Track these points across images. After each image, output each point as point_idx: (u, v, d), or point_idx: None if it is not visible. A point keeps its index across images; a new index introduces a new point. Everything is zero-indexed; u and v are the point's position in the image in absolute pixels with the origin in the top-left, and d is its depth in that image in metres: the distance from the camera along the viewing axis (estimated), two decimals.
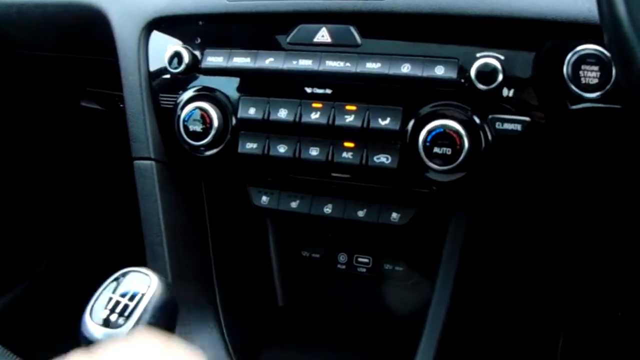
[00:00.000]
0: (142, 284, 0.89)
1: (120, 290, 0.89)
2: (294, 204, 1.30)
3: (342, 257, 1.46)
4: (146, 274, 0.91)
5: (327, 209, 1.28)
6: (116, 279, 0.90)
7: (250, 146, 1.23)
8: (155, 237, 1.31)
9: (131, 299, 0.88)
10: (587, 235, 1.63)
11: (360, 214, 1.26)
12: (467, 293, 1.27)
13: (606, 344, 1.78)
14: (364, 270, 1.45)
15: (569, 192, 1.24)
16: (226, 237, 1.42)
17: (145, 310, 0.87)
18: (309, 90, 1.19)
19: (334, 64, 1.18)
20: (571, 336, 1.77)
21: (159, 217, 1.31)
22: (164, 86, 1.32)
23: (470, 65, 1.09)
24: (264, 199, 1.33)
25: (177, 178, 1.36)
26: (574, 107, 1.06)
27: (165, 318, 0.88)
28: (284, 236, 1.51)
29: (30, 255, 2.11)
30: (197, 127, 1.25)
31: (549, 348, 1.76)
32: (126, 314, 0.86)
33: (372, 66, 1.15)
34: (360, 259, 1.45)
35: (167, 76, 1.32)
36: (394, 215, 1.24)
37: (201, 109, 1.25)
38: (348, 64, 1.17)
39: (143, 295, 0.88)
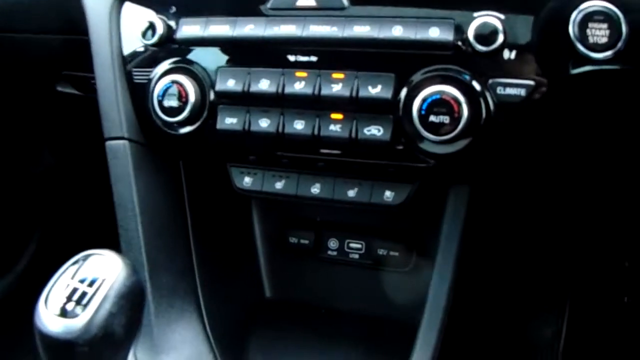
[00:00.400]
0: (104, 269, 0.79)
1: (80, 275, 0.79)
2: (278, 185, 1.21)
3: (333, 243, 1.36)
4: (109, 257, 0.80)
5: (315, 189, 1.19)
6: (76, 263, 0.80)
7: (230, 121, 1.13)
8: (129, 223, 1.21)
9: (90, 284, 0.78)
10: (594, 208, 1.56)
11: (351, 193, 1.17)
12: (469, 276, 1.17)
13: (612, 331, 1.73)
14: (357, 256, 1.35)
15: (575, 160, 1.15)
16: (207, 222, 1.32)
17: (105, 297, 0.77)
18: (292, 58, 1.10)
19: (319, 29, 1.09)
20: (576, 323, 1.73)
21: (133, 201, 1.22)
22: (138, 60, 1.24)
23: (468, 26, 1.01)
24: (247, 180, 1.23)
25: (153, 159, 1.26)
26: (582, 69, 0.97)
27: (129, 306, 0.78)
28: (269, 221, 1.42)
29: (19, 238, 2.07)
30: (173, 103, 1.16)
31: (553, 333, 1.72)
32: (84, 302, 0.76)
33: (360, 30, 1.06)
34: (352, 245, 1.35)
35: (141, 49, 1.23)
36: (388, 193, 1.15)
37: (176, 82, 1.16)
38: (334, 29, 1.08)
39: (104, 280, 0.77)
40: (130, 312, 0.79)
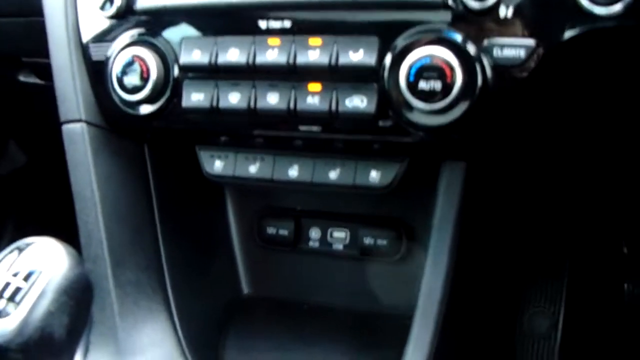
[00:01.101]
0: (43, 259, 0.67)
1: (14, 267, 0.66)
2: (252, 169, 1.10)
3: (314, 233, 1.25)
4: (49, 245, 0.68)
5: (293, 172, 1.08)
6: (11, 253, 0.68)
7: (197, 98, 1.03)
8: (89, 214, 1.11)
9: (26, 278, 0.65)
10: (593, 189, 1.52)
11: (333, 175, 1.06)
12: (464, 263, 1.06)
13: (611, 319, 1.69)
14: (341, 246, 1.24)
15: (576, 130, 1.05)
16: (176, 212, 1.21)
17: (43, 293, 0.65)
18: (263, 24, 1.00)
19: None
20: (573, 312, 1.68)
21: (92, 189, 1.11)
22: (95, 35, 1.13)
23: None
24: (218, 164, 1.12)
25: (114, 143, 1.16)
26: (587, 27, 0.87)
27: (72, 303, 0.66)
28: (245, 211, 1.31)
29: None
30: (133, 79, 1.06)
31: (551, 323, 1.67)
32: (17, 298, 0.64)
33: None
34: (335, 234, 1.24)
35: (99, 23, 1.12)
36: (374, 174, 1.04)
37: (137, 56, 1.06)
38: None
39: (41, 273, 0.65)
40: (73, 310, 0.67)
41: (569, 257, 1.72)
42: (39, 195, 2.08)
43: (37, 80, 1.64)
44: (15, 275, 0.66)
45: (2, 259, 0.68)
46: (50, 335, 0.64)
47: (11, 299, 0.65)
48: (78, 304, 0.68)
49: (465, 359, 1.33)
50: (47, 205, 2.05)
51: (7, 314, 0.64)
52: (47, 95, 1.56)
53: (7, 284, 0.66)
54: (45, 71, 1.52)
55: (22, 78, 1.67)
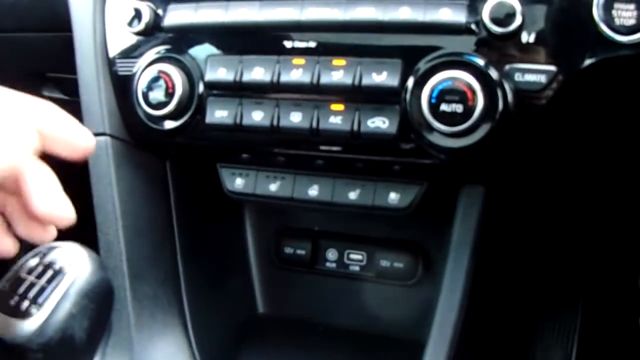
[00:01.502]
0: (66, 263, 0.68)
1: (38, 270, 0.67)
2: (273, 187, 1.10)
3: (331, 254, 1.25)
4: (72, 250, 0.69)
5: (313, 191, 1.08)
6: (35, 256, 0.69)
7: (221, 114, 1.04)
8: (109, 227, 1.11)
9: (49, 281, 0.66)
10: (612, 218, 1.47)
11: (352, 195, 1.06)
12: (480, 289, 1.05)
13: (623, 354, 1.63)
14: (357, 268, 1.24)
15: (597, 158, 1.04)
16: (195, 229, 1.22)
17: (65, 295, 0.66)
18: (288, 44, 1.01)
19: (318, 12, 0.99)
20: (586, 347, 1.62)
21: (114, 203, 1.12)
22: (122, 51, 1.15)
23: (482, 6, 0.91)
24: (239, 181, 1.13)
25: (137, 158, 1.17)
26: (608, 54, 0.88)
27: (94, 306, 0.67)
28: (263, 230, 1.31)
29: None
30: (159, 95, 1.07)
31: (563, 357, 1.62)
32: (40, 300, 0.65)
33: (364, 12, 0.97)
34: (352, 256, 1.24)
35: (126, 39, 1.14)
36: (393, 196, 1.04)
37: (163, 72, 1.07)
38: (335, 11, 0.98)
39: (64, 276, 0.66)
40: (94, 313, 0.68)
41: (584, 290, 1.71)
42: None
43: (62, 96, 1.65)
44: (38, 277, 0.67)
45: (26, 261, 0.69)
46: (71, 337, 0.64)
47: (34, 300, 0.66)
48: (99, 308, 0.68)
49: None
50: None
51: (30, 315, 0.64)
52: (70, 110, 1.57)
53: (31, 285, 0.66)
54: (70, 86, 1.54)
55: (46, 93, 1.68)
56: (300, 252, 1.26)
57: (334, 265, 1.26)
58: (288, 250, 1.27)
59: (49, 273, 0.67)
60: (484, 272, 1.08)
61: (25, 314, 0.65)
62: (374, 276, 1.24)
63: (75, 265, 0.68)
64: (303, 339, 1.28)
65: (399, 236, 1.22)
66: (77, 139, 0.73)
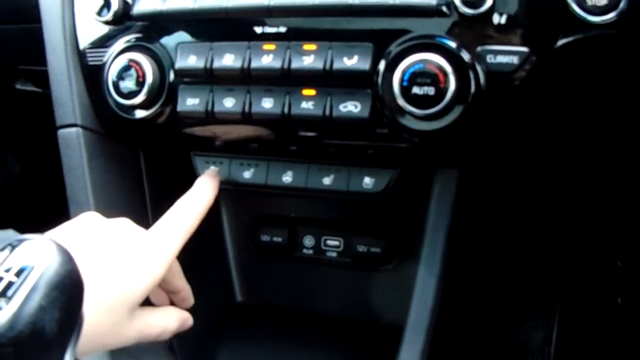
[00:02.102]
0: (35, 256, 0.67)
1: (7, 263, 0.66)
2: (247, 174, 1.10)
3: (309, 241, 1.25)
4: (41, 242, 0.68)
5: (287, 178, 1.08)
6: (3, 250, 0.67)
7: (192, 102, 1.03)
8: None
9: (18, 274, 0.65)
10: (587, 201, 1.50)
11: (326, 181, 1.06)
12: (457, 272, 1.06)
13: (604, 334, 1.68)
14: (334, 254, 1.24)
15: (569, 141, 1.05)
16: None
17: (34, 287, 0.64)
18: (259, 30, 1.00)
19: None
20: (567, 325, 1.67)
21: (87, 194, 1.11)
22: (92, 41, 1.14)
23: None
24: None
25: (110, 148, 1.15)
26: (580, 35, 0.88)
27: (64, 298, 0.66)
28: (239, 218, 1.30)
29: None
30: (129, 84, 1.06)
31: (544, 336, 1.66)
32: (9, 293, 0.64)
33: None
34: (329, 242, 1.24)
35: (96, 28, 1.13)
36: (367, 180, 1.04)
37: (133, 61, 1.06)
38: None
39: (33, 269, 0.65)
40: (65, 305, 0.67)
41: (563, 270, 1.72)
42: (34, 203, 2.07)
43: (34, 88, 1.63)
44: (7, 270, 0.66)
45: None
46: (42, 329, 0.63)
47: (3, 293, 0.64)
48: (69, 299, 0.67)
49: None
50: (41, 212, 2.04)
51: None
52: (43, 103, 1.55)
53: (0, 279, 0.65)
54: (43, 79, 1.52)
55: (18, 86, 1.66)
56: (277, 239, 1.26)
57: (311, 251, 1.26)
58: (265, 237, 1.27)
59: (18, 266, 0.66)
60: (461, 253, 1.08)
61: None
62: (351, 262, 1.23)
63: (44, 258, 0.67)
64: (282, 326, 1.27)
65: (376, 221, 1.21)
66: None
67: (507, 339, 1.70)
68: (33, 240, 0.69)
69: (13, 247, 0.69)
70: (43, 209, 1.97)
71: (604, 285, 1.71)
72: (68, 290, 0.67)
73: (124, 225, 0.94)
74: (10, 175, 2.13)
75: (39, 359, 0.66)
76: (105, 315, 0.85)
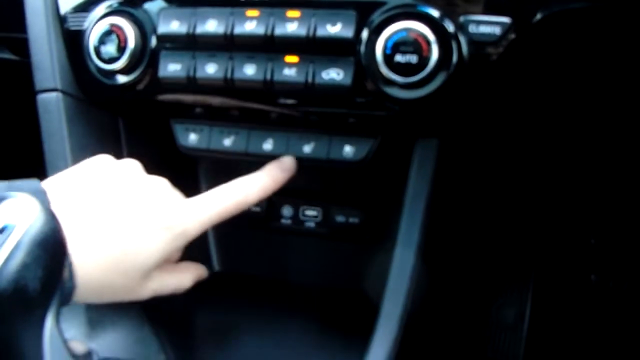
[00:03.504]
0: (18, 213, 0.66)
1: None
2: (227, 142, 1.10)
3: (287, 211, 1.25)
4: (24, 200, 0.68)
5: (267, 145, 1.08)
6: None
7: (174, 68, 1.02)
8: None
9: (1, 232, 0.65)
10: (562, 176, 1.52)
11: (307, 149, 1.06)
12: (435, 244, 1.06)
13: (578, 311, 1.71)
14: (313, 224, 1.23)
15: (549, 114, 1.05)
16: None
17: (18, 245, 0.64)
18: None
19: None
20: (540, 303, 1.71)
21: (66, 159, 1.10)
22: (73, 6, 1.13)
23: None
24: (192, 137, 1.12)
25: (89, 114, 1.15)
26: (562, 6, 0.89)
27: (47, 256, 0.66)
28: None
29: None
30: (110, 49, 1.05)
31: (517, 314, 1.68)
32: None
33: None
34: (307, 212, 1.23)
35: None
36: (348, 149, 1.04)
37: (115, 26, 1.06)
38: None
39: (15, 227, 0.65)
40: (48, 263, 0.67)
41: (537, 247, 1.73)
42: (7, 172, 2.04)
43: (12, 56, 1.61)
44: None
45: None
46: (25, 287, 0.63)
47: None
48: (52, 258, 0.67)
49: (432, 348, 1.34)
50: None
51: None
52: (21, 71, 1.54)
53: None
54: (20, 47, 1.50)
55: None
56: (255, 209, 1.25)
57: (289, 221, 1.26)
58: None
59: (1, 225, 0.66)
60: (439, 225, 1.08)
61: None
62: (329, 232, 1.23)
63: (27, 215, 0.67)
64: (258, 296, 1.27)
65: (355, 193, 1.21)
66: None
67: (480, 316, 1.72)
68: (15, 198, 0.69)
69: None
70: (17, 178, 1.95)
71: (577, 262, 1.73)
72: (51, 249, 0.67)
73: (162, 184, 0.94)
74: None
75: (22, 317, 0.65)
76: (119, 277, 0.85)
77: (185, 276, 1.01)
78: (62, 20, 1.13)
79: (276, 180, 1.05)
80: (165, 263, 0.95)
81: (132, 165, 0.92)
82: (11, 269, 0.64)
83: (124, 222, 0.85)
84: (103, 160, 0.91)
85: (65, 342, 0.71)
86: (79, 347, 0.80)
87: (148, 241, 0.87)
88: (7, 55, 1.63)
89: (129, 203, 0.87)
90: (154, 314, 1.13)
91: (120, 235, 0.83)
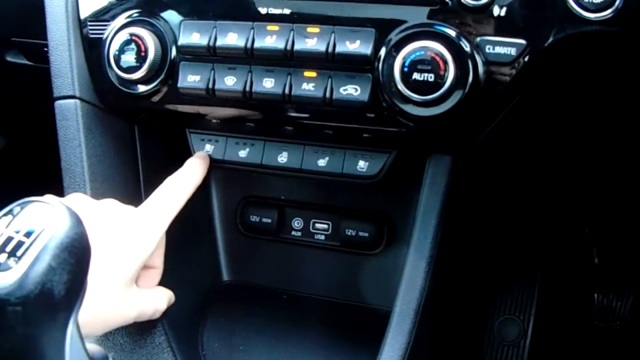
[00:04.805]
0: (45, 217, 0.68)
1: (16, 224, 0.67)
2: (242, 153, 1.11)
3: (297, 223, 1.26)
4: (51, 205, 0.69)
5: (282, 158, 1.10)
6: (10, 212, 0.68)
7: (193, 79, 1.04)
8: (77, 190, 1.10)
9: (28, 235, 0.66)
10: (571, 186, 1.47)
11: (321, 163, 1.08)
12: (445, 259, 1.08)
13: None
14: (323, 237, 1.25)
15: (561, 129, 1.06)
16: None
17: (45, 248, 0.65)
18: (263, 10, 1.02)
19: None
20: (542, 319, 1.70)
21: (82, 165, 1.11)
22: (95, 13, 1.14)
23: None
24: (208, 147, 1.14)
25: (106, 122, 1.16)
26: (576, 30, 0.91)
27: (73, 260, 0.67)
28: (229, 198, 1.30)
29: None
30: (130, 58, 1.07)
31: (519, 332, 1.67)
32: (19, 253, 0.65)
33: None
34: (318, 225, 1.25)
35: (98, 2, 1.14)
36: (362, 164, 1.06)
37: (135, 35, 1.07)
38: None
39: (43, 230, 0.66)
40: (73, 267, 0.68)
41: (541, 266, 1.74)
42: (19, 178, 2.06)
43: (25, 61, 1.63)
44: (17, 231, 0.67)
45: (3, 215, 0.68)
46: (50, 290, 0.64)
47: (12, 253, 0.65)
48: (78, 262, 0.68)
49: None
50: (27, 187, 2.03)
51: (8, 268, 0.64)
52: (34, 77, 1.55)
53: (9, 239, 0.66)
54: (35, 52, 1.52)
55: (9, 58, 1.65)
56: (266, 220, 1.27)
57: (299, 233, 1.27)
58: (254, 218, 1.28)
59: (28, 227, 0.67)
60: (448, 240, 1.10)
61: (4, 267, 0.65)
62: (339, 245, 1.25)
63: (55, 219, 0.68)
64: (267, 306, 1.28)
65: (365, 206, 1.23)
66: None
67: (482, 330, 1.72)
68: (42, 202, 0.70)
69: (21, 208, 0.69)
70: (28, 184, 1.96)
71: (581, 281, 1.74)
72: (77, 254, 0.68)
73: (112, 205, 0.99)
74: None
75: (46, 320, 0.66)
76: (106, 293, 0.91)
77: (161, 297, 1.07)
78: (82, 27, 1.15)
79: (202, 168, 1.12)
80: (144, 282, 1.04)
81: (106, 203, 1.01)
82: (38, 271, 0.65)
83: (102, 242, 0.93)
84: (80, 199, 0.99)
85: (84, 345, 0.72)
86: (96, 350, 0.81)
87: (123, 253, 0.95)
88: (22, 60, 1.64)
89: (103, 229, 0.95)
90: (165, 323, 1.14)
91: (100, 252, 0.91)
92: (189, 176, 1.08)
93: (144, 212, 1.01)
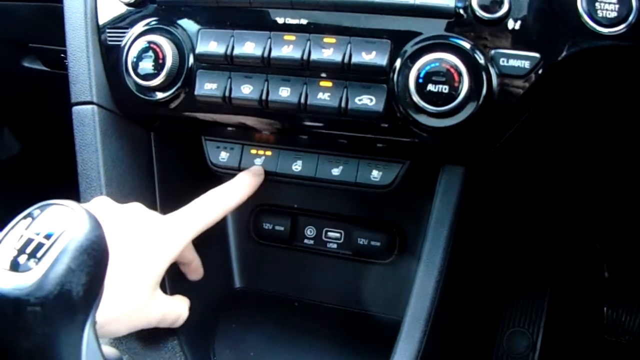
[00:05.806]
0: (64, 220, 0.69)
1: (36, 226, 0.68)
2: (257, 161, 1.14)
3: (310, 231, 1.27)
4: (71, 207, 0.70)
5: (296, 167, 1.11)
6: (30, 214, 0.69)
7: (210, 87, 1.05)
8: (93, 195, 1.12)
9: (47, 237, 0.67)
10: (582, 199, 1.48)
11: (335, 172, 1.09)
12: (455, 270, 1.08)
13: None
14: (335, 246, 1.26)
15: (574, 143, 1.07)
16: (177, 201, 1.21)
17: (64, 250, 0.67)
18: (280, 20, 1.03)
19: None
20: (552, 331, 1.70)
21: (98, 170, 1.13)
22: (113, 20, 1.16)
23: None
24: (223, 155, 1.15)
25: (123, 128, 1.18)
26: (589, 44, 0.92)
27: (91, 263, 0.68)
28: (243, 205, 1.29)
29: None
30: (148, 66, 1.08)
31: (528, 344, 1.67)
32: (39, 254, 0.66)
33: None
34: (330, 234, 1.26)
35: (118, 9, 1.15)
36: (375, 173, 1.07)
37: (153, 43, 1.08)
38: None
39: (63, 232, 0.67)
40: (92, 269, 0.69)
41: (551, 279, 1.74)
42: (33, 182, 2.07)
43: (42, 67, 1.64)
44: (37, 233, 0.68)
45: (20, 219, 0.69)
46: (69, 291, 0.65)
47: (32, 255, 0.66)
48: (96, 265, 0.69)
49: None
50: (41, 191, 2.04)
51: (28, 269, 0.65)
52: (49, 82, 1.57)
53: (30, 241, 0.67)
54: (52, 58, 1.54)
55: (26, 64, 1.67)
56: (279, 228, 1.28)
57: (312, 242, 1.28)
58: (267, 226, 1.29)
59: (47, 229, 0.68)
60: (460, 251, 1.10)
61: (24, 268, 0.66)
62: (351, 254, 1.26)
63: (74, 222, 0.69)
64: (279, 314, 1.29)
65: (377, 215, 1.24)
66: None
67: (490, 343, 1.73)
68: (62, 205, 0.71)
69: (40, 211, 0.71)
70: (42, 188, 1.98)
71: (591, 295, 1.74)
72: (96, 256, 0.69)
73: (137, 208, 1.01)
74: (8, 153, 2.13)
75: (64, 320, 0.68)
76: (132, 293, 0.93)
77: (184, 304, 1.09)
78: (100, 34, 1.16)
79: (251, 186, 1.12)
80: (193, 276, 1.10)
81: (132, 207, 1.03)
82: (57, 272, 0.66)
83: (128, 246, 0.95)
84: (105, 203, 1.01)
85: (100, 347, 0.73)
86: (111, 352, 0.82)
87: (149, 256, 0.97)
88: (38, 66, 1.66)
89: (129, 232, 0.97)
90: (179, 328, 1.15)
91: (126, 255, 0.94)
92: (234, 191, 1.09)
93: (172, 218, 1.02)
